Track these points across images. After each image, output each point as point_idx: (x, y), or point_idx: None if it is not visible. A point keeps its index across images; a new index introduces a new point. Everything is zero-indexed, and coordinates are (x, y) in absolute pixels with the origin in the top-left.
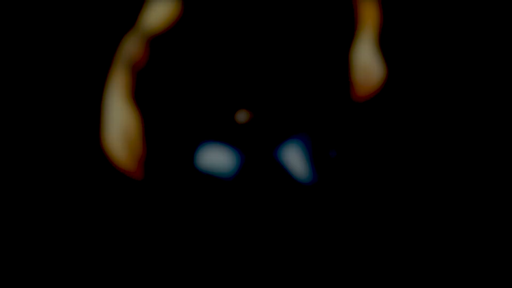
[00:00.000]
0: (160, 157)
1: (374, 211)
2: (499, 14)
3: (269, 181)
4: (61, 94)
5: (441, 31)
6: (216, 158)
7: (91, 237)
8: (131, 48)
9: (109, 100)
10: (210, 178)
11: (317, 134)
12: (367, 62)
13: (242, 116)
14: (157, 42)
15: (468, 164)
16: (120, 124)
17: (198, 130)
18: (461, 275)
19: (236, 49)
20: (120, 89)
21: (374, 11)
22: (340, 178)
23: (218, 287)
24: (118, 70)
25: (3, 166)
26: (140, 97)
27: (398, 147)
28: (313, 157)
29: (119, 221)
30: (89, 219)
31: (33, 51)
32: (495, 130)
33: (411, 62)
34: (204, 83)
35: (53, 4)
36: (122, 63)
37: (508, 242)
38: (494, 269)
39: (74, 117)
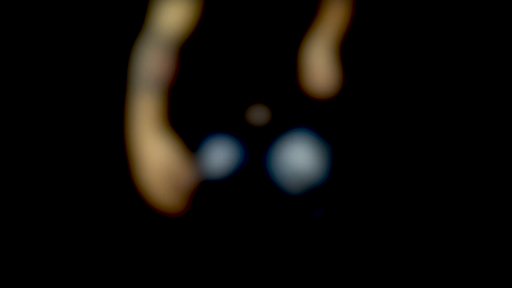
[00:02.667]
0: None
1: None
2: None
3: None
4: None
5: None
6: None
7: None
8: (155, 62)
9: (138, 132)
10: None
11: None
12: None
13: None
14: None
15: (456, 164)
16: (158, 159)
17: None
18: (461, 275)
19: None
20: (150, 116)
21: (342, 10)
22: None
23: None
24: (142, 92)
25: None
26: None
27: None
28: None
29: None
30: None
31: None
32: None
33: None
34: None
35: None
36: (145, 83)
37: (508, 242)
38: (494, 269)
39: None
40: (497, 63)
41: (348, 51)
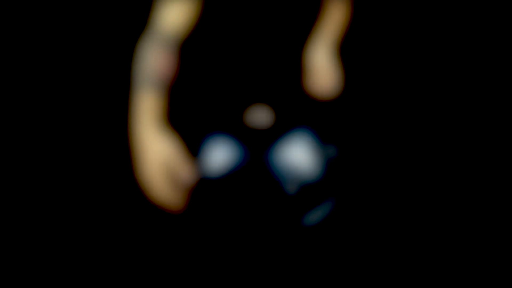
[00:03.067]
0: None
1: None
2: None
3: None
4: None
5: (417, 36)
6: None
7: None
8: (156, 60)
9: (140, 130)
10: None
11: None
12: (320, 66)
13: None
14: (184, 47)
15: (453, 164)
16: (159, 156)
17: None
18: (461, 275)
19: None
20: (151, 114)
21: (343, 12)
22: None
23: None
24: (143, 91)
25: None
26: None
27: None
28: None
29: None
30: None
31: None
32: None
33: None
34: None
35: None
36: (147, 82)
37: (508, 242)
38: (494, 269)
39: (100, 152)
40: (497, 63)
41: (349, 52)
